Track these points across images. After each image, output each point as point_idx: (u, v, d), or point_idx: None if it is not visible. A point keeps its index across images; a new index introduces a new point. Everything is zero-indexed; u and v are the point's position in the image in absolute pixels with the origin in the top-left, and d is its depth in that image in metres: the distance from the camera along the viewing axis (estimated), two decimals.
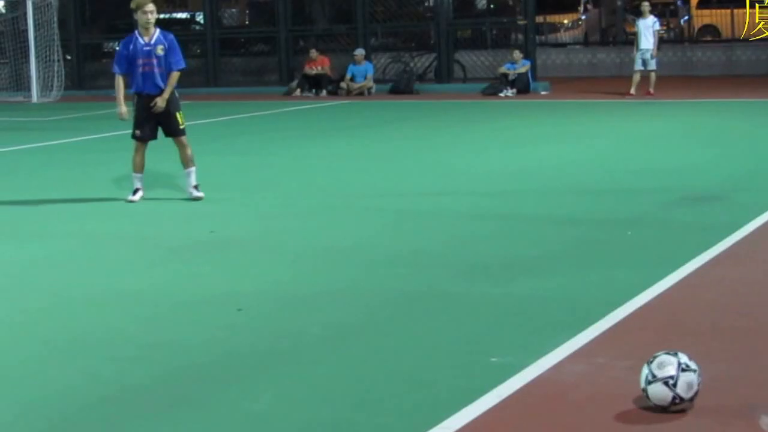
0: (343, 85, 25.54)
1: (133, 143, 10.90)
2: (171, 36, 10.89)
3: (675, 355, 4.66)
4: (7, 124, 21.00)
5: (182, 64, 10.85)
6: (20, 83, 27.80)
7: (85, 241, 8.99)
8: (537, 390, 4.99)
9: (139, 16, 10.72)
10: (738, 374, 5.17)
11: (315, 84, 25.93)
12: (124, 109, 10.80)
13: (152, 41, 10.71)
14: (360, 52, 25.81)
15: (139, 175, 10.85)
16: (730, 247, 7.92)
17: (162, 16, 26.45)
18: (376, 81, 25.87)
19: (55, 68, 27.37)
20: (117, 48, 11.30)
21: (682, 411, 4.58)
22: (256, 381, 5.27)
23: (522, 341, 5.75)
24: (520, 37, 26.21)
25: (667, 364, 4.60)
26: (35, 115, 23.18)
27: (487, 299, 6.66)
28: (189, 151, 10.81)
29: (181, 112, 10.82)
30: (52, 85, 27.12)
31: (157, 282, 7.42)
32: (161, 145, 11.14)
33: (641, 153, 13.70)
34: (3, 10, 31.02)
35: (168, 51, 10.72)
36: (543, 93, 24.43)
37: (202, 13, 30.17)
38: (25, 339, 6.18)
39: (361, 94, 25.18)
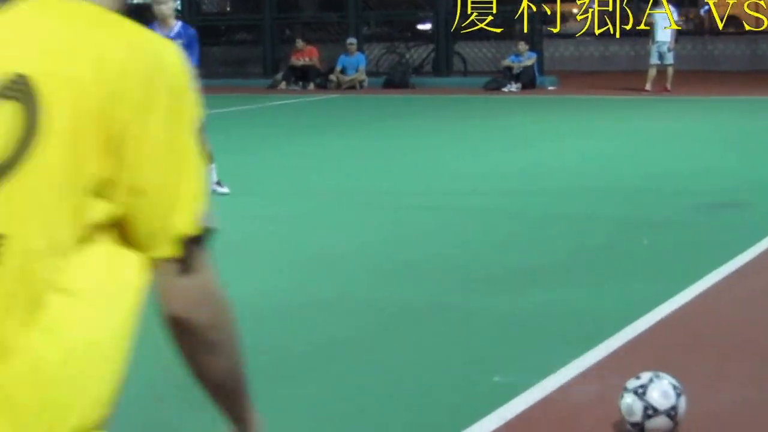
0: (332, 77, 25.53)
1: None
2: (193, 31, 11.13)
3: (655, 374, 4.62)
4: None
5: (195, 62, 11.00)
6: None
7: None
8: (544, 412, 4.98)
9: (155, 8, 10.99)
10: (764, 398, 5.15)
11: (302, 76, 25.91)
12: None
13: (171, 34, 10.90)
14: (352, 41, 25.83)
15: None
16: (755, 258, 7.92)
17: (135, 0, 26.41)
18: (369, 74, 25.87)
19: None
20: None
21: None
22: None
23: (528, 359, 5.73)
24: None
25: (642, 376, 4.58)
26: None
27: (491, 312, 6.63)
28: (208, 147, 10.96)
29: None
30: None
31: None
32: None
33: (657, 154, 13.70)
34: None
35: (186, 47, 10.90)
36: (550, 88, 24.45)
37: None
38: None
39: (352, 87, 25.18)
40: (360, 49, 26.15)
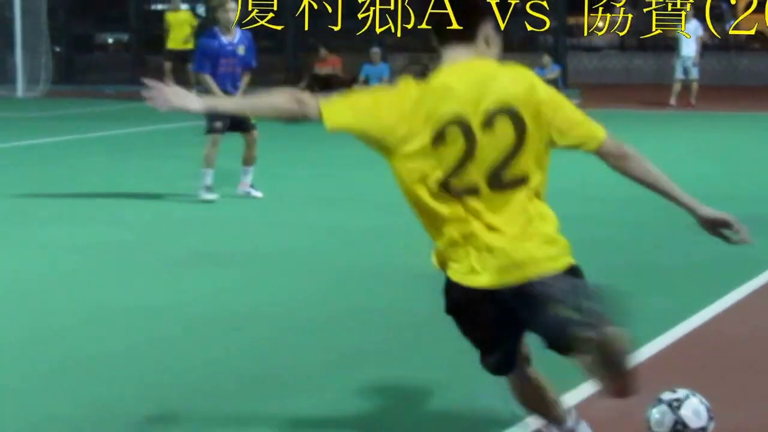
0: (356, 87, 25.57)
1: (206, 138, 11.24)
2: (250, 34, 11.47)
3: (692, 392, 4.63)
4: None
5: (255, 63, 11.44)
6: (3, 75, 27.88)
7: (86, 253, 9.03)
8: None
9: (220, 15, 11.23)
10: None
11: (325, 86, 25.96)
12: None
13: (235, 40, 11.21)
14: (376, 50, 25.87)
15: (212, 171, 11.18)
16: None
17: (160, 7, 26.53)
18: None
19: (43, 60, 27.48)
20: (197, 46, 11.85)
21: None
22: (250, 412, 5.30)
23: (549, 373, 5.72)
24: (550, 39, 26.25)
25: (678, 391, 4.59)
26: (19, 110, 23.26)
27: None
28: (255, 149, 11.34)
29: None
30: (38, 79, 27.22)
31: (161, 298, 7.46)
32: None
33: (681, 170, 13.63)
34: None
35: (247, 50, 11.32)
36: (574, 101, 24.35)
37: (203, 4, 30.23)
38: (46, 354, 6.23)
39: None
40: (384, 58, 26.19)
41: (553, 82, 24.07)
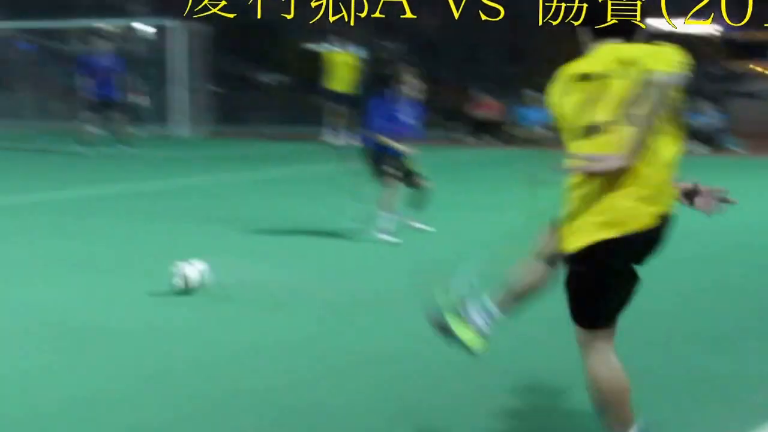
0: (512, 130, 25.49)
1: (384, 181, 11.61)
2: (419, 106, 12.04)
3: None
4: (148, 158, 21.59)
5: (420, 135, 12.02)
6: (162, 115, 28.55)
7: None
8: None
9: (395, 83, 11.76)
10: None
11: (482, 129, 25.95)
12: None
13: (401, 106, 11.71)
14: (533, 94, 25.73)
15: (391, 215, 11.54)
16: None
17: (319, 47, 26.86)
18: (548, 128, 25.71)
19: (203, 100, 28.10)
20: (370, 103, 12.11)
21: None
22: None
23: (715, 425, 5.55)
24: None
25: None
26: (179, 149, 23.79)
27: (690, 373, 6.47)
28: (425, 195, 11.87)
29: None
30: (198, 118, 27.83)
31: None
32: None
33: None
34: (151, 36, 32.03)
35: (413, 119, 11.83)
36: (736, 150, 23.89)
37: (363, 47, 30.35)
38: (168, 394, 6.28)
39: (531, 141, 25.05)
40: (540, 102, 26.03)
41: (713, 129, 23.58)
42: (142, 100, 23.24)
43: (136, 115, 23.92)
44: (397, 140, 11.59)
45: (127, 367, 6.62)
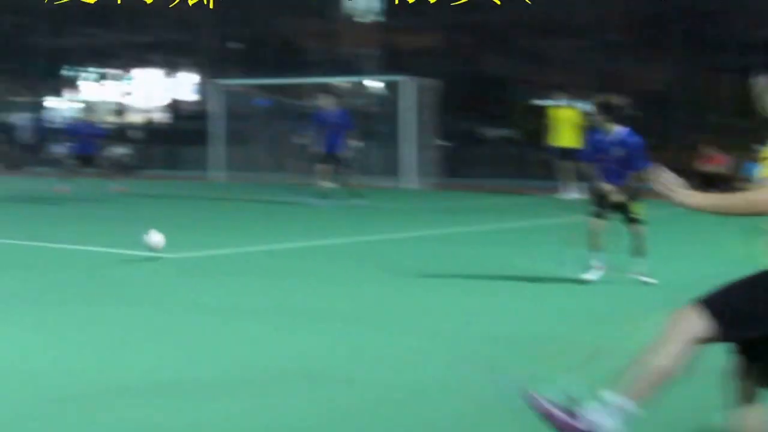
0: (742, 184, 25.05)
1: (589, 222, 12.00)
2: (636, 140, 11.84)
3: None
4: (377, 210, 22.21)
5: (642, 166, 11.65)
6: (392, 167, 29.26)
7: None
8: None
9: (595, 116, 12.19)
10: None
11: (711, 184, 25.62)
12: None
13: (612, 138, 11.85)
14: (762, 149, 25.27)
15: (597, 253, 11.87)
16: None
17: (544, 103, 27.10)
18: None
19: (431, 154, 28.63)
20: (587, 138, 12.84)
21: None
22: None
23: None
24: None
25: None
26: (409, 202, 24.32)
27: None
28: (641, 241, 11.92)
29: (638, 202, 11.94)
30: (426, 172, 28.36)
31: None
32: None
33: None
34: (381, 91, 32.86)
35: (628, 152, 11.79)
36: None
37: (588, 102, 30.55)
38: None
39: None
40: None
41: None
42: (354, 147, 23.46)
43: (365, 168, 24.56)
44: (609, 176, 11.77)
45: None
